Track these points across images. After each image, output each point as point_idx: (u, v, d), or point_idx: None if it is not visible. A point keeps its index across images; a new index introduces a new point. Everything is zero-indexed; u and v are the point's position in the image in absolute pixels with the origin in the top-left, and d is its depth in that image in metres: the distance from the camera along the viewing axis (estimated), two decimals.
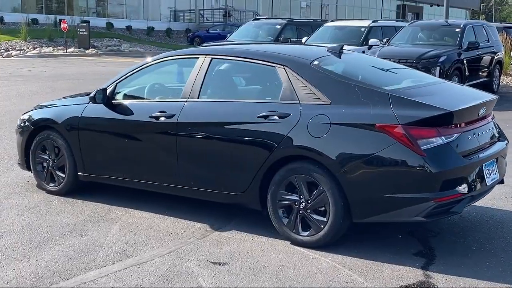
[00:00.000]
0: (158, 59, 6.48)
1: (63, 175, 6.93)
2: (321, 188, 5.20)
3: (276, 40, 19.33)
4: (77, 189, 7.07)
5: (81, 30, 30.79)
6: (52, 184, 7.05)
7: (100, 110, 6.53)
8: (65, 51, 29.00)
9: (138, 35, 40.39)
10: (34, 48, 28.78)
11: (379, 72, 6.18)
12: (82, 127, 6.63)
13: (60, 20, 33.79)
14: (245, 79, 6.39)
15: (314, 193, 5.28)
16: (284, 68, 5.58)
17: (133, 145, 6.35)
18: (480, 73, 16.52)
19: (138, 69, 6.53)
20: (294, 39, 19.59)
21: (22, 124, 7.23)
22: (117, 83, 6.55)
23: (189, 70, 6.28)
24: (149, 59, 6.63)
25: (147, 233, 5.82)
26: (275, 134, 5.41)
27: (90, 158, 6.67)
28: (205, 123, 5.84)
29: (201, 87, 5.96)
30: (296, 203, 5.37)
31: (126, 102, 6.48)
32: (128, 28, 40.64)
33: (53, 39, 31.68)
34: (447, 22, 18.71)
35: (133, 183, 6.44)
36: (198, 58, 6.15)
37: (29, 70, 21.40)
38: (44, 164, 7.12)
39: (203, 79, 5.98)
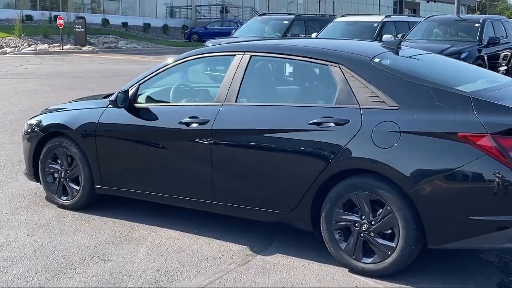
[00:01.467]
0: (186, 57, 5.69)
1: (77, 188, 6.12)
2: (389, 208, 4.41)
3: (284, 36, 18.49)
4: (92, 203, 6.21)
5: (77, 26, 29.88)
6: (64, 198, 6.24)
7: (120, 115, 5.72)
8: (61, 48, 28.12)
9: (134, 32, 39.50)
10: (29, 45, 27.89)
11: (448, 70, 5.41)
12: (100, 134, 5.82)
13: (55, 16, 32.88)
14: (291, 79, 5.59)
15: (379, 213, 4.50)
16: (340, 67, 4.79)
17: (159, 155, 5.55)
18: (500, 70, 15.78)
19: (163, 68, 5.73)
20: (303, 36, 18.74)
21: (30, 130, 6.41)
22: (139, 85, 5.76)
23: (223, 70, 5.46)
24: (175, 57, 5.81)
25: (180, 258, 5.02)
26: (331, 143, 4.65)
27: (109, 169, 5.90)
28: (245, 131, 5.05)
29: (239, 89, 5.17)
30: (356, 225, 4.59)
31: (151, 106, 5.70)
32: (124, 24, 39.73)
33: (48, 35, 30.76)
34: (459, 17, 17.97)
35: (159, 198, 5.66)
36: (234, 56, 5.35)
37: (25, 68, 20.55)
38: (55, 175, 6.31)
39: (242, 80, 5.18)
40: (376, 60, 4.86)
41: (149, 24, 41.24)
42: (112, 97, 5.66)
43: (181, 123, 5.35)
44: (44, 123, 6.33)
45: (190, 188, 5.46)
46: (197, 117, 5.29)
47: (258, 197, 5.09)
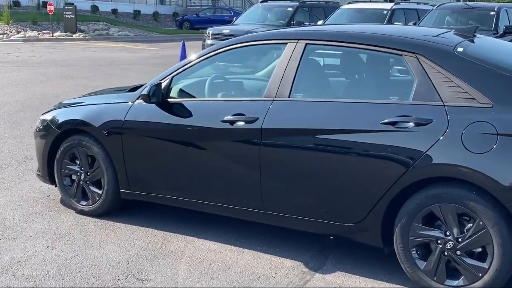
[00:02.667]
0: (227, 46, 4.97)
1: (99, 192, 5.41)
2: (481, 222, 3.76)
3: (288, 24, 17.75)
4: (115, 209, 5.59)
5: (67, 13, 28.87)
6: (84, 203, 5.53)
7: (151, 111, 5.01)
8: (51, 35, 27.17)
9: (124, 19, 38.50)
10: (18, 32, 26.90)
11: None
12: (127, 132, 5.13)
13: (44, 2, 31.83)
14: (356, 72, 4.90)
15: (468, 229, 3.87)
16: (417, 57, 4.11)
17: (197, 156, 4.87)
18: None
19: (200, 59, 5.05)
20: (307, 23, 18.01)
21: (44, 127, 5.69)
22: (173, 77, 5.02)
23: (272, 60, 4.76)
24: (213, 46, 5.11)
25: (228, 277, 4.37)
26: (411, 147, 3.99)
27: (137, 171, 5.26)
28: (300, 131, 4.37)
29: (293, 83, 4.48)
30: (439, 242, 3.93)
31: (186, 101, 5.04)
32: (114, 11, 38.69)
33: (37, 22, 29.74)
34: (466, 4, 17.35)
35: (195, 205, 5.04)
36: (286, 44, 4.66)
37: (16, 56, 19.67)
38: (74, 177, 5.60)
39: (296, 72, 4.49)
40: (460, 49, 4.20)
41: (139, 11, 40.24)
42: (145, 91, 4.94)
43: (224, 121, 4.66)
44: (61, 119, 5.59)
45: (233, 195, 4.79)
46: (243, 115, 4.59)
47: (316, 207, 4.43)
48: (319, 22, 16.98)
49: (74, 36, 27.75)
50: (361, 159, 4.18)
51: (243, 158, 4.66)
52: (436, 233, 4.02)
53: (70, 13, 28.30)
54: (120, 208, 5.62)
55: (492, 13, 15.12)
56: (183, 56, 17.28)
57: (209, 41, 16.86)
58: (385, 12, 16.57)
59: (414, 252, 4.10)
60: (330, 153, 4.30)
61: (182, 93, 5.17)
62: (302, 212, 4.50)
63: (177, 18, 41.35)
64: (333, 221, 4.39)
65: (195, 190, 5.00)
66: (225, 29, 16.69)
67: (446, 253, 3.99)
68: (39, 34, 27.16)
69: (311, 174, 4.41)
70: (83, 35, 28.24)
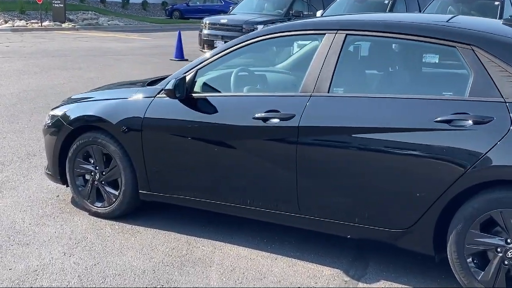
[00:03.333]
0: (257, 37, 4.62)
1: (116, 193, 5.05)
2: None
3: (287, 14, 17.35)
4: (132, 211, 5.26)
5: (56, 2, 28.25)
6: (99, 204, 5.15)
7: (174, 107, 4.66)
8: (40, 24, 26.58)
9: (113, 8, 37.90)
10: (6, 22, 26.28)
11: None
12: (148, 129, 4.77)
13: None
14: (403, 64, 4.53)
15: None
16: (473, 49, 3.78)
17: (225, 156, 4.54)
18: None
19: (228, 51, 4.69)
20: (306, 13, 17.63)
21: (54, 123, 5.34)
22: (197, 70, 4.63)
23: (307, 52, 4.40)
24: (242, 37, 4.74)
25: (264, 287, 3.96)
26: (468, 147, 3.60)
27: (158, 171, 4.93)
28: (343, 129, 4.03)
29: (332, 77, 4.13)
30: (499, 250, 3.62)
31: (213, 96, 4.68)
32: (102, 0, 38.04)
33: (25, 11, 29.10)
34: None
35: (223, 208, 4.74)
36: (324, 34, 4.31)
37: (6, 46, 19.14)
38: (87, 177, 5.22)
39: (336, 65, 4.14)
40: None
41: (127, 0, 39.58)
42: (169, 85, 4.57)
43: (256, 118, 4.30)
44: (73, 115, 5.20)
45: (265, 198, 4.45)
46: (277, 111, 4.24)
47: (359, 211, 4.09)
48: (318, 13, 16.58)
49: (63, 25, 27.19)
50: (412, 161, 3.84)
51: (278, 158, 4.31)
52: (495, 240, 3.71)
53: (59, 2, 27.72)
54: (135, 210, 5.25)
55: (496, 3, 14.81)
56: (179, 46, 16.89)
57: (206, 31, 16.44)
58: (386, 1, 16.20)
59: (470, 261, 3.78)
60: (376, 153, 3.96)
61: (206, 87, 4.81)
62: (343, 216, 4.17)
63: (166, 8, 40.80)
64: (378, 227, 4.06)
65: (223, 192, 4.66)
66: (223, 19, 16.28)
67: (506, 263, 3.64)
68: (27, 23, 26.57)
69: (354, 177, 4.07)
70: (72, 24, 27.68)
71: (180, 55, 16.77)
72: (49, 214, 5.30)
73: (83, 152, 5.21)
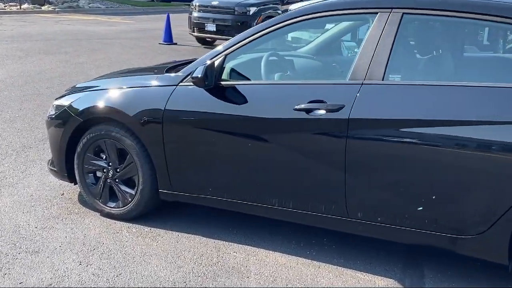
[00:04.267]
0: (294, 17, 4.09)
1: (132, 192, 4.50)
2: None
3: None
4: (149, 211, 4.71)
5: None
6: (112, 204, 4.60)
7: (201, 97, 4.12)
8: (18, 7, 25.68)
9: None
10: None
11: None
12: (170, 121, 4.27)
13: None
14: (470, 48, 4.00)
15: None
16: None
17: (261, 152, 4.03)
18: None
19: (261, 33, 4.17)
20: None
21: (60, 114, 4.80)
22: (226, 55, 4.07)
23: (335, 35, 3.90)
24: (277, 17, 4.17)
25: None
26: None
27: (182, 169, 4.42)
28: (402, 122, 3.54)
29: (387, 62, 3.62)
30: None
31: (246, 85, 4.18)
32: None
33: None
34: None
35: (256, 209, 4.28)
36: (376, 14, 3.76)
37: None
38: (99, 174, 4.66)
39: (391, 49, 3.63)
40: None
41: None
42: (197, 72, 4.02)
43: (297, 109, 3.78)
44: (83, 105, 4.63)
45: (307, 199, 3.96)
46: (322, 101, 3.72)
47: (418, 215, 3.57)
48: None
49: (43, 8, 26.33)
50: (490, 158, 3.33)
51: (323, 154, 3.80)
52: None
53: None
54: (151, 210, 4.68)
55: None
56: (168, 29, 16.24)
57: (196, 14, 15.82)
58: None
59: None
60: (443, 149, 3.45)
61: (234, 74, 4.30)
62: (400, 220, 3.68)
63: None
64: (441, 232, 3.56)
65: (257, 192, 4.16)
66: (214, 1, 15.65)
67: None
68: (5, 6, 25.67)
69: (416, 176, 3.59)
70: (52, 7, 26.82)
71: (169, 38, 16.15)
72: (55, 215, 4.74)
73: (94, 146, 4.65)
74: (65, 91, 5.24)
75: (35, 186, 5.40)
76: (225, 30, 15.41)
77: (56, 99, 5.04)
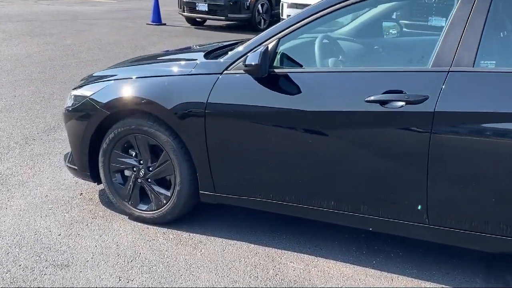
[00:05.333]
0: None
1: (168, 193, 3.97)
2: None
3: None
4: (185, 215, 4.16)
5: None
6: (144, 207, 4.07)
7: (251, 87, 3.63)
8: None
9: None
10: None
11: None
12: (214, 115, 3.76)
13: None
14: None
15: None
16: None
17: (324, 150, 3.60)
18: None
19: (319, 14, 3.61)
20: None
21: (81, 105, 4.26)
22: (280, 38, 3.53)
23: (378, 15, 3.42)
24: None
25: None
26: None
27: (229, 169, 3.90)
28: (500, 116, 2.98)
29: (478, 46, 3.07)
30: None
31: (304, 73, 3.62)
32: None
33: None
34: None
35: (316, 213, 3.79)
36: None
37: None
38: (127, 173, 4.08)
39: (482, 30, 3.10)
40: None
41: None
42: (253, 59, 3.52)
43: (370, 101, 3.25)
44: (110, 96, 4.09)
45: (379, 203, 3.45)
46: (400, 92, 3.23)
47: None
48: None
49: None
50: None
51: (401, 152, 3.32)
52: None
53: None
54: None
55: None
56: (156, 9, 15.54)
57: None
58: None
59: None
60: None
61: (286, 61, 3.77)
62: (490, 228, 3.16)
63: None
64: None
65: (317, 195, 3.66)
66: None
67: None
68: None
69: None
70: None
71: (157, 19, 15.49)
72: (79, 220, 4.19)
73: (123, 142, 4.11)
74: (81, 80, 4.66)
75: (48, 185, 4.84)
76: (217, 10, 14.80)
77: (75, 88, 4.48)
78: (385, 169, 3.40)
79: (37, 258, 3.71)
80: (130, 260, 3.70)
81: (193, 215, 4.27)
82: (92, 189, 4.75)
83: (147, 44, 12.18)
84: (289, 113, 3.56)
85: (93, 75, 4.67)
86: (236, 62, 3.75)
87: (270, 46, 3.65)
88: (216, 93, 3.75)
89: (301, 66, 3.87)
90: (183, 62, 4.21)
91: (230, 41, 4.89)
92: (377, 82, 3.39)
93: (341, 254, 3.82)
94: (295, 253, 3.83)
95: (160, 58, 4.75)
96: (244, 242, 3.96)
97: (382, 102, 3.32)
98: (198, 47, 5.07)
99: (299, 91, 3.56)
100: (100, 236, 4.00)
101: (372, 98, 3.33)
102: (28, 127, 6.38)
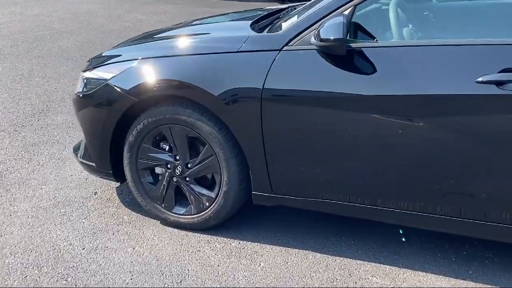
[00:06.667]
0: None
1: (212, 195, 3.32)
2: None
3: None
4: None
5: None
6: (181, 210, 3.45)
7: (322, 67, 2.93)
8: None
9: None
10: None
11: None
12: (273, 101, 3.09)
13: None
14: None
15: None
16: None
17: (422, 144, 2.91)
18: None
19: None
20: None
21: (96, 90, 3.56)
22: (356, 5, 2.85)
23: None
24: None
25: None
26: None
27: (289, 166, 3.22)
28: None
29: None
30: None
31: (391, 48, 2.94)
32: None
33: None
34: None
35: (400, 217, 3.10)
36: None
37: None
38: (158, 171, 3.35)
39: None
40: None
41: None
42: (331, 32, 2.88)
43: (482, 82, 2.57)
44: (135, 79, 3.42)
45: (481, 205, 2.74)
46: None
47: None
48: None
49: None
50: None
51: None
52: None
53: None
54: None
55: None
56: None
57: None
58: None
59: None
60: None
61: (360, 33, 3.08)
62: None
63: None
64: None
65: (403, 195, 2.99)
66: None
67: None
68: None
69: None
70: None
71: None
72: (101, 227, 3.48)
73: (154, 134, 3.39)
74: (90, 60, 3.88)
75: (53, 182, 4.09)
76: None
77: (88, 70, 3.70)
78: (495, 165, 2.74)
79: (64, 282, 3.00)
80: (179, 280, 3.02)
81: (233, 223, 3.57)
82: (107, 186, 4.03)
83: (122, 13, 11.28)
84: (374, 99, 2.87)
85: (104, 54, 3.89)
86: (301, 35, 3.05)
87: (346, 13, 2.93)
88: (275, 75, 3.04)
89: (373, 37, 3.16)
90: (227, 36, 3.45)
91: (269, 9, 4.14)
92: (491, 58, 2.71)
93: (428, 263, 3.20)
94: (373, 263, 3.19)
95: (189, 32, 3.99)
96: (306, 251, 3.31)
97: (499, 83, 2.63)
98: (230, 17, 4.31)
99: (387, 71, 2.88)
100: (134, 249, 3.29)
101: (485, 78, 2.65)
102: (13, 111, 5.57)
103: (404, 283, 3.03)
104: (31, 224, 3.58)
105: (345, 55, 2.89)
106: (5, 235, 3.43)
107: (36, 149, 4.70)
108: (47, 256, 3.24)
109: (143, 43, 3.86)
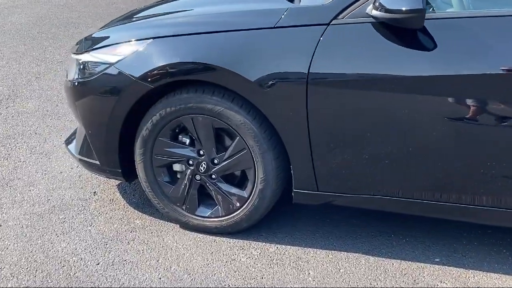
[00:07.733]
0: None
1: (243, 194, 2.90)
2: None
3: None
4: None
5: None
6: (206, 212, 3.03)
7: (385, 44, 2.43)
8: None
9: None
10: None
11: None
12: (320, 86, 2.60)
13: None
14: None
15: None
16: None
17: (499, 134, 2.36)
18: None
19: None
20: None
21: (99, 76, 3.07)
22: None
23: None
24: None
25: None
26: None
27: (340, 160, 2.78)
28: None
29: None
30: None
31: (471, 18, 2.50)
32: None
33: None
34: None
35: (463, 213, 2.69)
36: None
37: None
38: (177, 168, 2.88)
39: None
40: None
41: None
42: (400, 2, 2.28)
43: None
44: (149, 63, 2.92)
45: None
46: None
47: None
48: None
49: None
50: None
51: None
52: None
53: None
54: None
55: None
56: None
57: None
58: None
59: None
60: None
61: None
62: None
63: None
64: None
65: (472, 189, 2.56)
66: None
67: None
68: None
69: None
70: None
71: None
72: (112, 236, 2.97)
73: (173, 126, 2.88)
74: (81, 41, 3.31)
75: (42, 182, 3.55)
76: None
77: (83, 52, 3.12)
78: None
79: None
80: None
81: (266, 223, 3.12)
82: (106, 184, 3.51)
83: None
84: (450, 79, 2.42)
85: (98, 35, 3.33)
86: (354, 5, 2.55)
87: None
88: (323, 54, 2.58)
89: (432, 8, 2.73)
90: (261, 9, 2.94)
91: None
92: None
93: (498, 263, 2.82)
94: (436, 266, 2.81)
95: (212, 3, 3.44)
96: (356, 254, 2.90)
97: None
98: None
99: (466, 47, 2.43)
100: (158, 261, 2.80)
101: None
102: None
103: (472, 283, 2.62)
104: (27, 235, 3.03)
105: (420, 28, 2.41)
106: (0, 251, 2.87)
107: (13, 142, 4.11)
108: (57, 277, 2.72)
109: (152, 18, 3.30)
